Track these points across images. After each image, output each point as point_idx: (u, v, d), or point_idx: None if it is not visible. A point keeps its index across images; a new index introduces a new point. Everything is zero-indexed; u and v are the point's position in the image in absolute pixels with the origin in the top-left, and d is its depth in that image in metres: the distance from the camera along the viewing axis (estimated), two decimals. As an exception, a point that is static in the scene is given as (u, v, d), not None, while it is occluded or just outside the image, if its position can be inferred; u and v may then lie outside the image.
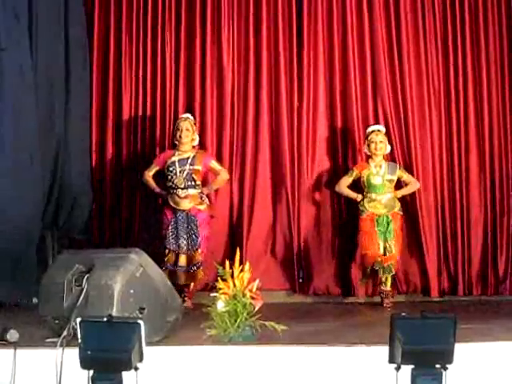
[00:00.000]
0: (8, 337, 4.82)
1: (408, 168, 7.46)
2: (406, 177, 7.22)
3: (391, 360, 3.90)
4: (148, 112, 7.59)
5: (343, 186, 7.21)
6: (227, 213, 7.55)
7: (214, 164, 7.15)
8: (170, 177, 6.96)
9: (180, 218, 6.89)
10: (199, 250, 6.89)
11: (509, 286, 7.48)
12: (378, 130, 7.15)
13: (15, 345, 4.73)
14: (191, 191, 6.95)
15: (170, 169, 6.96)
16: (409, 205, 7.43)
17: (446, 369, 3.82)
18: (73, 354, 4.04)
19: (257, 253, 7.42)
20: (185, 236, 6.87)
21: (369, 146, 7.11)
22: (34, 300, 6.32)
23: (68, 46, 7.21)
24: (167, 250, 6.87)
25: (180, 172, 6.94)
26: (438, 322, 3.94)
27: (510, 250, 7.54)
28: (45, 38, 6.95)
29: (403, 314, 4.04)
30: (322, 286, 7.49)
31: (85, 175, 7.36)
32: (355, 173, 7.16)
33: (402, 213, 7.15)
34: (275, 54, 7.59)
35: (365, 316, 6.53)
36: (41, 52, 6.89)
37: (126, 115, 7.58)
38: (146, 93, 7.60)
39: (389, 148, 7.22)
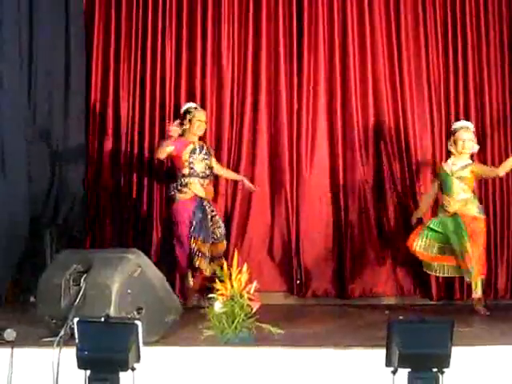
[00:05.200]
0: (5, 336, 4.82)
1: (407, 168, 7.47)
2: (483, 169, 6.73)
3: (388, 363, 3.91)
4: (147, 111, 7.58)
5: (426, 198, 7.07)
6: (224, 213, 7.51)
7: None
8: (190, 164, 6.73)
9: (207, 207, 6.76)
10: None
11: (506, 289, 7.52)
12: (467, 128, 6.71)
13: (12, 344, 4.73)
14: (208, 180, 6.87)
15: (194, 156, 6.75)
16: (409, 208, 7.44)
17: (442, 373, 3.83)
18: (70, 354, 4.04)
19: (255, 254, 7.41)
20: (209, 226, 6.72)
21: (455, 142, 6.66)
22: (32, 299, 6.34)
23: (68, 45, 7.26)
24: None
25: (201, 160, 6.81)
26: (435, 325, 3.95)
27: (509, 253, 7.56)
28: (44, 38, 6.99)
29: (400, 317, 4.06)
30: (320, 287, 7.48)
31: (82, 175, 7.41)
32: (436, 184, 6.89)
33: (480, 215, 6.64)
34: (275, 56, 7.60)
35: (362, 318, 6.53)
36: (40, 51, 6.93)
37: (123, 116, 7.59)
38: (144, 92, 7.59)
39: (476, 147, 6.75)
